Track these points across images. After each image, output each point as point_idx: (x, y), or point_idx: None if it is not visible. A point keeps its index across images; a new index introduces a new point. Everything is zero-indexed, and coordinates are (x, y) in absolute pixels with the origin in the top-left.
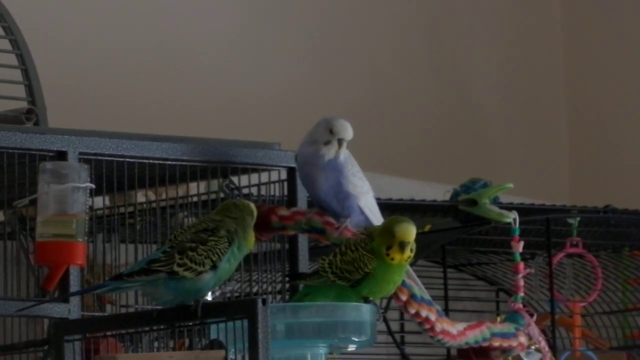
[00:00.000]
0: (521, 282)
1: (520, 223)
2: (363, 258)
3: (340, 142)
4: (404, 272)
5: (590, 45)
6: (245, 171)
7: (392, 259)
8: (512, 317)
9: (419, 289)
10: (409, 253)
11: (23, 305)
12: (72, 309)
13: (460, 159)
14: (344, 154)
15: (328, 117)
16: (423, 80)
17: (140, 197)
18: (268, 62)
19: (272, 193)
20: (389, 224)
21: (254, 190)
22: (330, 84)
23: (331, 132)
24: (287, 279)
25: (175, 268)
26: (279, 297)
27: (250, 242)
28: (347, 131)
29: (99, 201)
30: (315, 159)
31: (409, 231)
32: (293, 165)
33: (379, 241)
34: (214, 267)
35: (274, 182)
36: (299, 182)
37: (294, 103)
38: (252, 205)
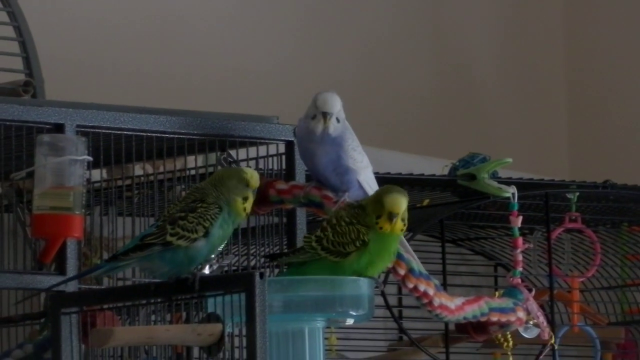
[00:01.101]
0: (520, 257)
1: (519, 198)
2: (359, 229)
3: (324, 115)
4: (396, 245)
5: (590, 19)
6: (243, 144)
7: (381, 228)
8: (511, 292)
9: (417, 263)
10: (400, 224)
11: (20, 278)
12: (69, 282)
13: (459, 133)
14: (341, 128)
15: (318, 92)
16: (422, 53)
17: (138, 170)
18: (266, 35)
19: (270, 167)
20: (380, 193)
21: (252, 163)
22: (329, 58)
23: (316, 106)
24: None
25: (168, 238)
26: (276, 270)
27: (239, 209)
28: (328, 104)
29: (96, 174)
30: (307, 134)
31: (398, 202)
32: (291, 138)
33: (369, 210)
34: (206, 234)
35: (272, 156)
36: (297, 155)
37: (292, 76)
38: (244, 171)
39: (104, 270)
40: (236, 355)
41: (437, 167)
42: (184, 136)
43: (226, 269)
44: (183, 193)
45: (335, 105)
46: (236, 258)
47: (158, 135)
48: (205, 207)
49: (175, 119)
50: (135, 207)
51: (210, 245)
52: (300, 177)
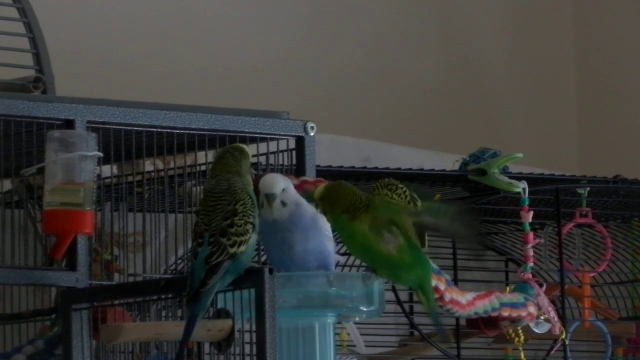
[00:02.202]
0: (530, 252)
1: (530, 193)
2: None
3: (267, 197)
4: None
5: (600, 13)
6: (253, 140)
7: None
8: (522, 287)
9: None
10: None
11: (31, 274)
12: (79, 278)
13: (470, 128)
14: (288, 210)
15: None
16: (431, 48)
17: (148, 165)
18: (276, 30)
19: (280, 162)
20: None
21: (262, 159)
22: (338, 53)
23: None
24: None
25: (231, 250)
26: None
27: (252, 186)
28: (267, 185)
29: (106, 170)
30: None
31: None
32: (302, 134)
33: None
34: (254, 227)
35: (282, 151)
36: (307, 151)
37: (303, 72)
38: (245, 148)
39: (201, 314)
40: (246, 350)
41: (447, 162)
42: (194, 132)
43: None
44: (194, 189)
45: (275, 186)
46: None
47: (168, 130)
48: (242, 204)
49: (186, 114)
50: (146, 203)
51: (256, 235)
52: (310, 172)
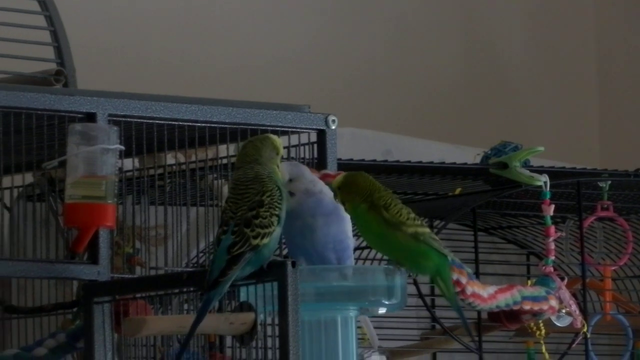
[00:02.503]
0: (552, 246)
1: (551, 186)
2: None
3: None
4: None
5: (622, 5)
6: (274, 133)
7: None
8: (543, 280)
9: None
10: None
11: (52, 267)
12: (101, 271)
13: (491, 122)
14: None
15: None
16: (453, 41)
17: (170, 159)
18: (297, 23)
19: (301, 155)
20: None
21: (283, 152)
22: (359, 46)
23: None
24: None
25: (253, 242)
26: None
27: (280, 178)
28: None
29: (128, 163)
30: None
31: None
32: (323, 127)
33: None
34: (279, 220)
35: (303, 145)
36: (329, 144)
37: (324, 65)
38: (271, 137)
39: (215, 301)
40: (269, 344)
41: (469, 155)
42: (215, 125)
43: None
44: (215, 182)
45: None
46: None
47: (190, 124)
48: (269, 195)
49: (207, 108)
50: (167, 196)
51: (280, 228)
52: (332, 165)
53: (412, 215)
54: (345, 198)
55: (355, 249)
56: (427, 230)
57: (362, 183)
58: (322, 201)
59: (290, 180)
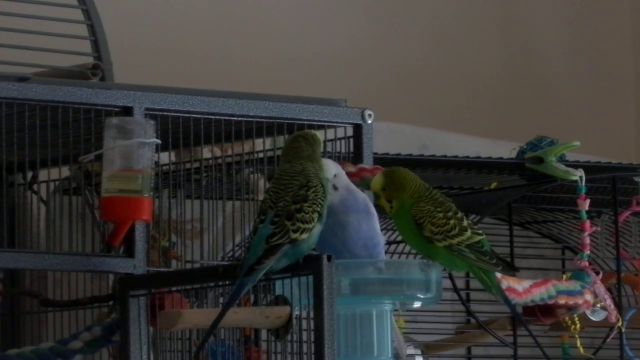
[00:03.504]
0: (587, 240)
1: (587, 181)
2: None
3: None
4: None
5: None
6: (311, 127)
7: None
8: (578, 275)
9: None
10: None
11: (88, 261)
12: (137, 265)
13: (527, 116)
14: (339, 194)
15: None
16: (490, 36)
17: (206, 153)
18: (335, 18)
19: (338, 150)
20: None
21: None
22: (397, 41)
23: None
24: None
25: (293, 235)
26: None
27: (325, 173)
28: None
29: (164, 157)
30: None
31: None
32: (359, 122)
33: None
34: (320, 217)
35: (340, 139)
36: (365, 138)
37: (361, 59)
38: (318, 135)
39: (248, 287)
40: (304, 338)
41: (504, 150)
42: (252, 119)
43: None
44: (251, 176)
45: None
46: None
47: (226, 118)
48: (314, 191)
49: (244, 102)
50: (204, 190)
51: (321, 226)
52: (368, 160)
53: (452, 222)
54: (393, 195)
55: (391, 242)
56: (466, 236)
57: (409, 178)
58: (357, 199)
59: (335, 175)
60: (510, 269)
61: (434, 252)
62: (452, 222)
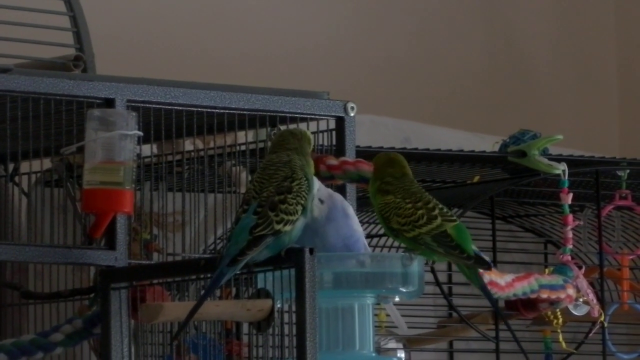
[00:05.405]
0: (570, 235)
1: (569, 175)
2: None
3: None
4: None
5: None
6: (293, 120)
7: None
8: (561, 269)
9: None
10: None
11: (70, 253)
12: (118, 257)
13: (510, 110)
14: (326, 205)
15: None
16: (473, 29)
17: (188, 145)
18: (317, 11)
19: (320, 142)
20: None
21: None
22: (379, 34)
23: None
24: None
25: (276, 227)
26: None
27: (312, 170)
28: None
29: (146, 149)
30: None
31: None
32: (342, 114)
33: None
34: (304, 210)
35: (322, 132)
36: (347, 131)
37: (344, 52)
38: (308, 133)
39: (227, 277)
40: (286, 331)
41: (487, 143)
42: (234, 111)
43: None
44: (234, 169)
45: None
46: None
47: (208, 110)
48: (298, 183)
49: (226, 94)
50: (186, 183)
51: (305, 219)
52: (350, 153)
53: (420, 211)
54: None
55: (373, 236)
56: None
57: (383, 164)
58: (335, 205)
59: (318, 189)
60: (484, 264)
61: (408, 244)
62: (420, 212)
